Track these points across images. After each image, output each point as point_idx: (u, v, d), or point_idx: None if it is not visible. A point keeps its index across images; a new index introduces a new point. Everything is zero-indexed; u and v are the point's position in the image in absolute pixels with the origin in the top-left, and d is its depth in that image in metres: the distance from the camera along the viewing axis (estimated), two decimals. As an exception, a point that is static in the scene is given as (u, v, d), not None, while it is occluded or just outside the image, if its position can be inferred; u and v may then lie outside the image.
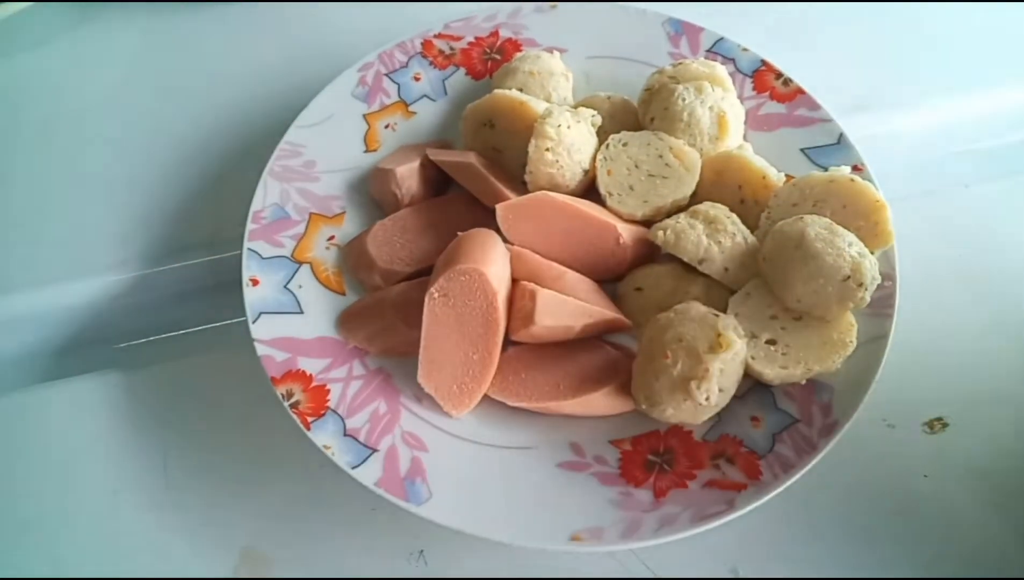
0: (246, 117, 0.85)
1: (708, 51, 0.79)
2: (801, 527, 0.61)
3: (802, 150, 0.72)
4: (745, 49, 0.78)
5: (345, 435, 0.59)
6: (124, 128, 0.85)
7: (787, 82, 0.75)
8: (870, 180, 0.66)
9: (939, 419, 0.65)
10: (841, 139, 0.71)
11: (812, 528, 0.61)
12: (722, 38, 0.79)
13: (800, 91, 0.75)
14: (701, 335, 0.57)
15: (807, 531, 0.61)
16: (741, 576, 0.59)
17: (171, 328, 0.75)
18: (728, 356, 0.56)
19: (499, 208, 0.64)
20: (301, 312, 0.65)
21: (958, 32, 0.90)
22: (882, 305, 0.62)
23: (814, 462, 0.56)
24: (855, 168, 0.68)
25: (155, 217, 0.78)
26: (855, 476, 0.62)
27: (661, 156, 0.68)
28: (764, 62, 0.77)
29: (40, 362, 0.74)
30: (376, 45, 0.80)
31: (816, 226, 0.60)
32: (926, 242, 0.72)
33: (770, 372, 0.58)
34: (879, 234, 0.63)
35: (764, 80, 0.76)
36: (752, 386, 0.61)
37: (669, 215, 0.66)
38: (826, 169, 0.66)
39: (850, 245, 0.59)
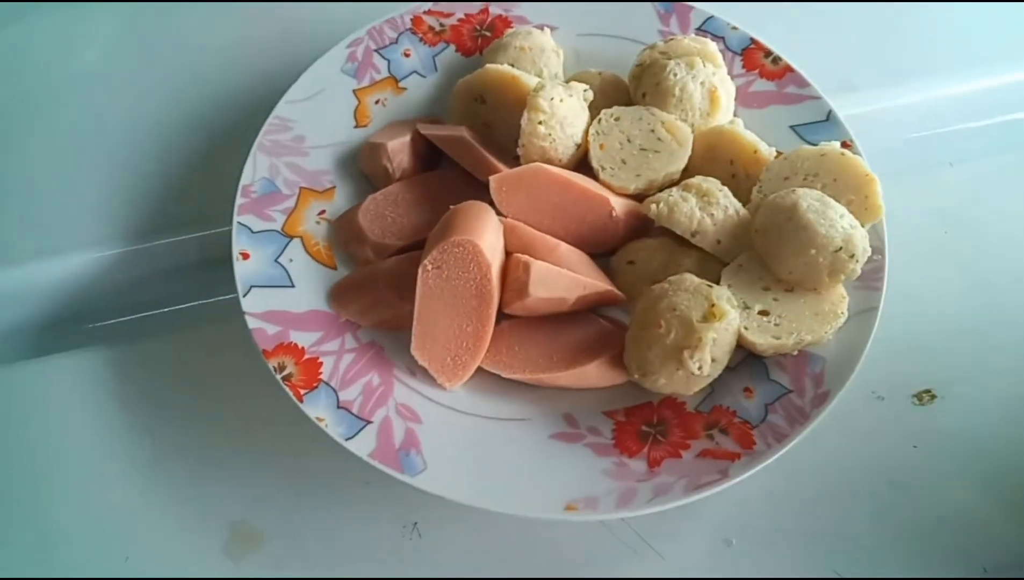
0: (233, 93, 0.83)
1: (698, 29, 0.79)
2: (793, 497, 0.61)
3: (791, 127, 0.72)
4: (735, 27, 0.78)
5: (338, 407, 0.59)
6: (110, 103, 0.84)
7: (776, 60, 0.76)
8: (859, 155, 0.67)
9: (928, 391, 0.66)
10: (830, 116, 0.72)
11: (803, 498, 0.61)
12: (712, 16, 0.79)
13: (789, 69, 0.75)
14: (695, 305, 0.57)
15: (798, 501, 0.61)
16: (735, 546, 0.59)
17: (159, 305, 0.74)
18: (721, 326, 0.56)
19: (493, 180, 0.64)
20: (292, 285, 0.65)
21: (944, 14, 0.91)
22: (872, 278, 0.62)
23: (807, 431, 0.57)
24: (844, 144, 0.68)
25: (142, 193, 0.77)
26: (846, 447, 0.63)
27: (653, 130, 0.68)
28: (753, 40, 0.77)
29: (25, 339, 0.73)
30: (365, 21, 0.79)
31: (808, 198, 0.60)
32: (912, 218, 0.73)
33: (763, 342, 0.58)
34: (869, 208, 0.63)
35: (754, 58, 0.77)
36: (744, 358, 0.61)
37: (661, 189, 0.66)
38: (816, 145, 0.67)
39: (841, 217, 0.60)
